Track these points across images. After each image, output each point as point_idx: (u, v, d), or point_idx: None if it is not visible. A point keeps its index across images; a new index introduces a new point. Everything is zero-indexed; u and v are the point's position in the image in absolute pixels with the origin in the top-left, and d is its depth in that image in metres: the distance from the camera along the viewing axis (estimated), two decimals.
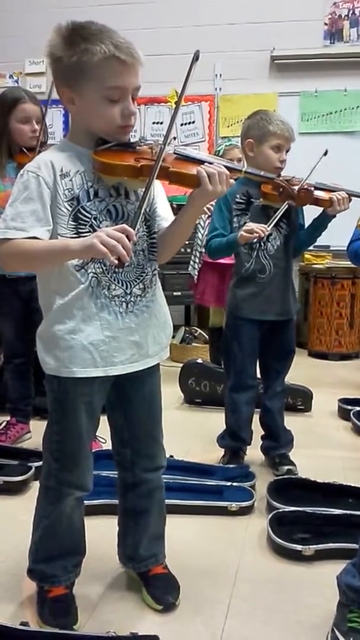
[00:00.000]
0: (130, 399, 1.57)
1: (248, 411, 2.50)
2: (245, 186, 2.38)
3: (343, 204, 2.26)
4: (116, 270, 1.41)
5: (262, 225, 2.22)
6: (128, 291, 1.45)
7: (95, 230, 1.35)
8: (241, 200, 2.36)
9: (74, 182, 1.39)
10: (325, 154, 2.26)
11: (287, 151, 2.34)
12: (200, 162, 1.42)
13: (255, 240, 2.23)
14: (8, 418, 2.82)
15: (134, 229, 1.29)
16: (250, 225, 2.22)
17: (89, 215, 1.39)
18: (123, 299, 1.44)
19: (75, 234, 1.38)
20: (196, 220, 1.54)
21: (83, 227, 1.39)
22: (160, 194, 1.55)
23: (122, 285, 1.44)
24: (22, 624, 1.44)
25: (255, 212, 2.34)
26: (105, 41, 1.31)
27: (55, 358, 1.43)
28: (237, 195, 2.36)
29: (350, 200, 2.29)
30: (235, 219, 2.37)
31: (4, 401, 2.93)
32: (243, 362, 2.45)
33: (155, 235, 1.51)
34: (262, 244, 2.34)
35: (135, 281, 1.47)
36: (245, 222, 2.33)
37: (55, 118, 5.23)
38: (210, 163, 1.41)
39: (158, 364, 1.59)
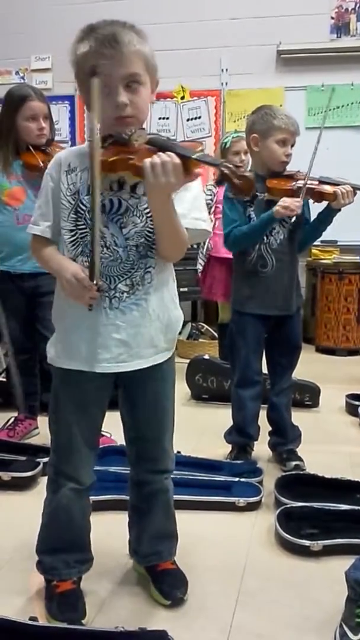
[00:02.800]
0: (133, 399, 1.57)
1: (254, 407, 2.49)
2: None
3: (347, 197, 2.26)
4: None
5: (296, 199, 2.22)
6: (112, 286, 1.43)
7: (89, 223, 1.40)
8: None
9: (80, 177, 1.44)
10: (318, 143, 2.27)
11: (293, 145, 2.33)
12: (167, 150, 1.32)
13: (291, 216, 2.24)
14: (17, 414, 2.83)
15: (93, 226, 1.33)
16: (286, 200, 2.22)
17: (84, 209, 1.43)
18: (106, 294, 1.43)
19: (74, 226, 1.44)
20: (167, 216, 1.37)
21: (80, 220, 1.44)
22: (186, 193, 1.42)
23: (106, 280, 1.43)
24: (31, 618, 1.45)
25: (259, 206, 2.33)
26: (90, 37, 1.35)
27: (54, 348, 1.52)
28: None
29: (355, 193, 2.29)
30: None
31: (12, 397, 2.94)
32: (247, 357, 2.45)
33: None
34: (265, 237, 2.33)
35: (121, 277, 1.43)
36: (249, 215, 2.34)
37: (61, 114, 5.24)
38: (171, 151, 1.30)
39: (168, 368, 1.55)
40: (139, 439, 1.60)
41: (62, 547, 1.58)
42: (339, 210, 2.30)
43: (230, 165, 1.26)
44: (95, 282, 1.35)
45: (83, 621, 1.51)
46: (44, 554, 1.59)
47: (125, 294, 1.43)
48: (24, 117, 2.47)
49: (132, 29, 1.37)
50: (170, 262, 1.51)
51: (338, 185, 2.28)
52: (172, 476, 1.69)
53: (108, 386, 1.53)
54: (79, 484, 1.55)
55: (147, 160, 1.29)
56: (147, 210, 1.42)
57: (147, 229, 1.43)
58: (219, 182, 3.66)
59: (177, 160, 1.28)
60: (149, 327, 1.47)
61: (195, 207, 1.45)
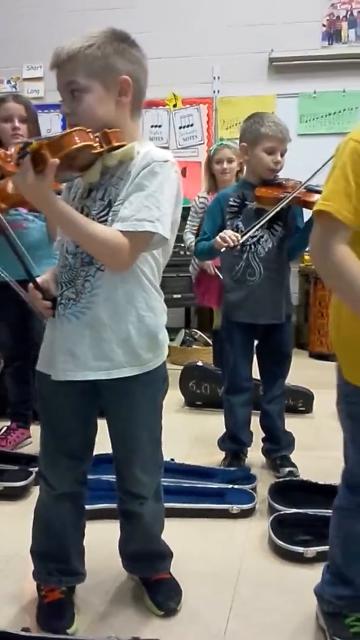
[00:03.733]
0: (107, 415, 1.53)
1: (244, 413, 2.50)
2: (241, 189, 2.40)
3: None
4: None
5: (236, 234, 2.23)
6: (60, 293, 1.43)
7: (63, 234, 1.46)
8: (234, 203, 2.37)
9: (76, 185, 1.47)
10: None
11: (284, 153, 2.33)
12: None
13: (223, 249, 2.24)
14: (9, 423, 2.82)
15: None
16: (226, 232, 2.24)
17: None
18: (60, 302, 1.43)
19: (60, 237, 1.50)
20: (57, 221, 1.34)
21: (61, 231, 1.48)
22: (140, 192, 1.33)
23: (59, 287, 1.44)
24: (24, 629, 1.44)
25: (247, 215, 2.35)
26: None
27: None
28: (231, 199, 2.38)
29: None
30: (228, 222, 2.38)
31: (5, 406, 2.93)
32: (235, 364, 2.46)
33: None
34: (252, 246, 2.34)
35: (68, 284, 1.42)
36: (237, 225, 2.35)
37: (53, 123, 5.24)
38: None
39: (139, 389, 1.45)
40: (115, 456, 1.57)
41: (43, 552, 1.59)
42: None
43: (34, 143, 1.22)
44: (45, 292, 1.41)
45: (69, 630, 1.50)
46: (33, 555, 1.61)
47: (71, 302, 1.41)
48: (0, 119, 2.50)
49: (82, 37, 1.34)
50: (111, 270, 1.37)
51: None
52: (165, 483, 1.67)
53: (81, 396, 1.46)
54: (52, 489, 1.54)
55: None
56: (99, 215, 1.37)
57: None
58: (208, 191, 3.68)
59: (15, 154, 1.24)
60: (97, 338, 1.39)
61: (144, 206, 1.31)
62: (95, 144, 1.30)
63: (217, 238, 2.24)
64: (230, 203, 2.37)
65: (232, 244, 2.20)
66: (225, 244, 2.21)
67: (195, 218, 3.79)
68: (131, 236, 1.31)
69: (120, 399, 1.46)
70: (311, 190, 2.30)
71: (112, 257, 1.34)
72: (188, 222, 3.82)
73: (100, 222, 1.35)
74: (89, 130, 1.29)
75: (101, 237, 1.30)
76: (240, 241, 2.23)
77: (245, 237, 2.25)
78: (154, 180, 1.32)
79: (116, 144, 1.33)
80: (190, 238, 3.81)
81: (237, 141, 2.48)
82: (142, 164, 1.33)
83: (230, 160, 3.48)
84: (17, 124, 2.47)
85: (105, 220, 1.36)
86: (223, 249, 2.24)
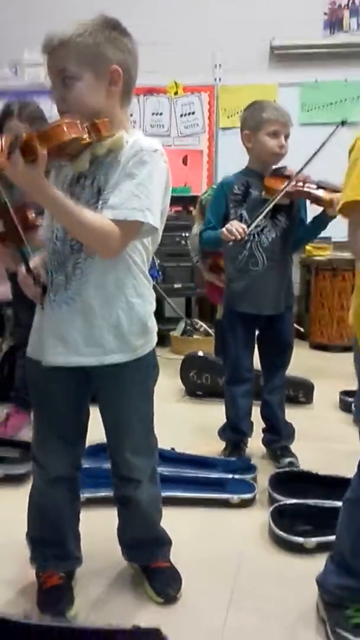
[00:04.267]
0: (99, 402, 1.55)
1: (245, 403, 2.50)
2: (245, 176, 2.37)
3: None
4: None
5: (243, 226, 2.21)
6: (50, 279, 1.44)
7: (52, 221, 1.46)
8: (238, 192, 2.35)
9: (66, 172, 1.46)
10: (344, 123, 2.29)
11: (287, 137, 2.32)
12: None
13: (230, 242, 2.22)
14: (9, 409, 2.82)
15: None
16: (233, 224, 2.21)
17: None
18: (50, 288, 1.44)
19: (49, 224, 1.48)
20: (55, 207, 1.31)
21: (50, 217, 1.47)
22: (130, 181, 1.34)
23: (48, 273, 1.45)
24: (25, 616, 1.44)
25: (251, 204, 2.33)
26: None
27: None
28: (235, 186, 2.35)
29: None
30: (232, 210, 2.36)
31: (5, 391, 2.94)
32: (237, 354, 2.45)
33: None
34: (255, 235, 2.32)
35: (57, 270, 1.42)
36: (241, 214, 2.33)
37: (54, 108, 5.20)
38: None
39: (130, 375, 1.47)
40: (107, 442, 1.59)
41: (39, 538, 1.60)
42: (335, 217, 2.28)
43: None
44: (37, 277, 1.41)
45: (68, 614, 1.52)
46: (29, 541, 1.62)
47: (61, 288, 1.42)
48: None
49: (75, 24, 1.34)
50: (101, 256, 1.38)
51: (337, 192, 2.25)
52: (166, 473, 1.68)
53: (73, 381, 1.48)
54: (45, 473, 1.55)
55: None
56: (88, 202, 1.38)
57: None
58: None
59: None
60: (89, 325, 1.41)
61: (134, 195, 1.32)
62: (85, 135, 1.30)
63: (224, 230, 2.22)
64: (235, 191, 2.35)
65: (239, 237, 2.19)
66: (233, 237, 2.19)
67: (195, 248, 3.73)
68: (121, 224, 1.32)
69: (110, 385, 1.49)
70: (321, 187, 2.29)
71: (102, 244, 1.35)
72: (191, 251, 3.78)
73: (90, 208, 1.35)
74: (78, 120, 1.29)
75: (92, 224, 1.31)
76: (248, 232, 2.21)
77: (251, 228, 2.24)
78: (143, 169, 1.34)
79: (105, 134, 1.33)
80: (195, 257, 3.76)
81: (238, 137, 2.42)
82: (132, 153, 1.35)
83: None
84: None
85: (95, 207, 1.37)
86: (230, 243, 2.23)
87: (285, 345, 2.50)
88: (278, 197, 2.26)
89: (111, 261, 1.39)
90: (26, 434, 2.72)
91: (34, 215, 1.69)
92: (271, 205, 2.26)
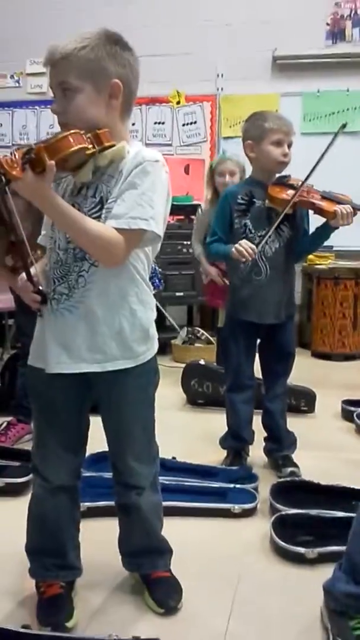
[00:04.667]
0: (100, 410, 1.56)
1: (246, 411, 2.50)
2: (248, 186, 2.38)
3: (347, 218, 2.23)
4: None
5: (252, 246, 2.23)
6: (52, 289, 1.45)
7: (55, 230, 1.47)
8: (242, 201, 2.35)
9: (67, 183, 1.47)
10: (344, 126, 2.30)
11: (290, 145, 2.32)
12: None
13: (243, 262, 2.25)
14: (9, 419, 2.82)
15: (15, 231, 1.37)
16: (243, 245, 2.23)
17: None
18: (51, 297, 1.45)
19: (52, 234, 1.49)
20: (60, 217, 1.33)
21: (53, 228, 1.48)
22: (133, 190, 1.36)
23: (50, 282, 1.46)
24: (24, 626, 1.44)
25: (255, 214, 2.33)
26: None
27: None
28: (239, 196, 2.36)
29: (355, 214, 2.25)
30: (236, 220, 2.36)
31: (6, 401, 2.93)
32: (239, 362, 2.46)
33: None
34: (260, 245, 2.33)
35: (61, 279, 1.44)
36: (245, 224, 2.34)
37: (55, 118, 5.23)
38: None
39: (132, 381, 1.48)
40: (110, 449, 1.59)
41: (39, 548, 1.59)
42: (337, 228, 2.28)
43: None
44: (37, 285, 1.42)
45: (68, 624, 1.51)
46: (28, 553, 1.61)
47: (63, 297, 1.43)
48: None
49: (77, 37, 1.35)
50: (106, 266, 1.40)
51: (340, 203, 2.26)
52: (167, 482, 1.68)
53: (75, 389, 1.49)
54: (47, 482, 1.55)
55: None
56: (90, 211, 1.40)
57: None
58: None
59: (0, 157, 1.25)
60: (91, 332, 1.43)
61: (138, 204, 1.35)
62: (89, 145, 1.32)
63: (234, 250, 2.24)
64: (238, 201, 2.35)
65: (249, 258, 2.22)
66: (243, 259, 2.23)
67: (200, 229, 3.77)
68: (125, 233, 1.35)
69: (113, 391, 1.50)
70: (325, 198, 2.29)
71: (107, 254, 1.37)
72: (194, 233, 3.80)
73: (93, 218, 1.37)
74: (82, 131, 1.31)
75: (97, 234, 1.34)
76: (257, 250, 2.24)
77: (260, 246, 2.26)
78: (146, 179, 1.36)
79: (107, 144, 1.35)
80: (198, 249, 3.80)
81: (240, 151, 2.45)
82: (134, 163, 1.37)
83: (232, 173, 3.47)
84: None
85: (99, 217, 1.39)
86: (242, 264, 2.27)
87: (287, 353, 2.50)
88: (285, 211, 2.26)
89: (114, 269, 1.41)
90: (27, 444, 2.73)
91: None
92: (279, 220, 2.27)
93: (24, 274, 1.44)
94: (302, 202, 2.29)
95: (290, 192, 2.29)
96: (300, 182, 2.29)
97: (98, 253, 1.37)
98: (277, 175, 2.37)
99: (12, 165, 1.23)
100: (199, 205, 3.85)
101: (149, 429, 1.58)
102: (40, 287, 1.45)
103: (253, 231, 2.33)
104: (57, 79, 1.37)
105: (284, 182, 2.34)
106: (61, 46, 1.35)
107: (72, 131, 1.30)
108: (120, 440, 1.56)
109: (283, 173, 2.38)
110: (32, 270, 1.45)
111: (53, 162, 1.25)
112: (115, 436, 1.56)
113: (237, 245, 2.25)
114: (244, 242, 2.24)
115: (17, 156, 1.24)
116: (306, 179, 2.28)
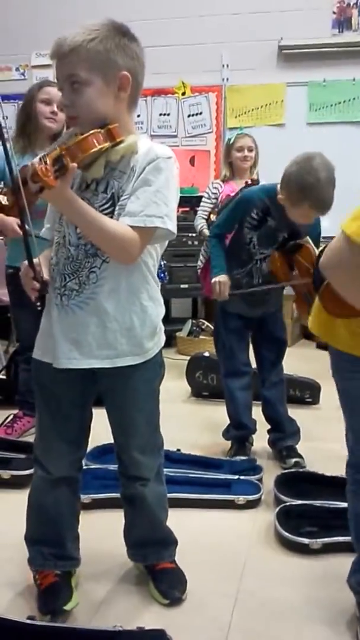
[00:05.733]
0: (105, 403, 1.56)
1: (244, 397, 2.51)
2: (268, 200, 2.27)
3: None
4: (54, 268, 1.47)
5: (226, 294, 2.33)
6: (62, 284, 1.44)
7: (63, 226, 1.46)
8: (255, 217, 2.31)
9: (75, 177, 1.44)
10: None
11: None
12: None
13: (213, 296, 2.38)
14: (15, 411, 2.83)
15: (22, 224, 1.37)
16: (221, 286, 2.33)
17: None
18: (59, 292, 1.45)
19: (59, 229, 1.48)
20: (80, 218, 1.33)
21: (60, 223, 1.48)
22: (147, 188, 1.36)
23: (60, 277, 1.45)
24: (29, 617, 1.45)
25: (264, 233, 2.33)
26: None
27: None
28: (255, 210, 2.30)
29: None
30: (246, 230, 2.35)
31: (12, 394, 2.94)
32: (232, 348, 2.49)
33: None
34: (258, 262, 2.37)
35: (71, 275, 1.43)
36: (251, 238, 2.35)
37: None
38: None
39: (140, 376, 1.49)
40: (115, 441, 1.61)
41: (38, 538, 1.61)
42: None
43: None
44: (38, 274, 1.40)
45: (66, 607, 1.52)
46: (27, 542, 1.63)
47: (74, 292, 1.43)
48: (39, 100, 2.57)
49: (85, 30, 1.34)
50: (120, 263, 1.40)
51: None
52: (171, 474, 1.69)
53: (80, 382, 1.50)
54: (47, 473, 1.56)
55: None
56: (102, 207, 1.39)
57: None
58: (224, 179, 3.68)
59: (35, 165, 1.24)
60: (102, 328, 1.43)
61: (152, 202, 1.36)
62: (106, 143, 1.33)
63: (213, 282, 2.34)
64: (252, 215, 2.30)
65: (218, 299, 2.36)
66: (213, 295, 2.36)
67: (207, 204, 3.80)
68: (140, 231, 1.35)
69: (119, 385, 1.51)
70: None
71: (123, 252, 1.38)
72: (200, 208, 3.82)
73: (105, 214, 1.37)
74: (99, 130, 1.31)
75: (115, 233, 1.34)
76: (227, 297, 2.35)
77: (237, 292, 2.36)
78: (160, 176, 1.36)
79: (119, 140, 1.35)
80: (200, 223, 3.82)
81: (253, 129, 2.46)
82: (147, 160, 1.37)
83: (250, 149, 3.49)
84: (55, 109, 2.53)
85: (111, 213, 1.39)
86: (237, 270, 2.36)
87: (279, 341, 2.53)
88: (274, 287, 2.37)
89: (126, 266, 1.42)
90: (33, 437, 2.74)
91: None
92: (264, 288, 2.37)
93: (25, 261, 1.43)
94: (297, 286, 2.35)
95: (292, 274, 2.34)
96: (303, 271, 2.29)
97: (115, 251, 1.38)
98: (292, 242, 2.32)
99: (47, 174, 1.22)
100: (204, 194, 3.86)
101: (154, 421, 1.59)
102: (43, 276, 1.43)
103: (256, 247, 2.35)
104: (66, 72, 1.35)
105: (293, 251, 2.31)
106: (69, 38, 1.33)
107: (91, 132, 1.30)
108: (126, 433, 1.56)
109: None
110: (35, 260, 1.43)
111: (75, 164, 1.26)
112: (120, 428, 1.57)
113: (216, 281, 2.33)
114: (223, 283, 2.33)
115: (48, 163, 1.24)
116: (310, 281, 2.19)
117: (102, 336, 1.43)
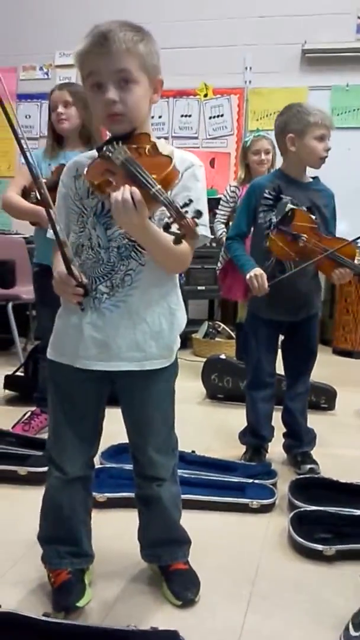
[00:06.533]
0: (123, 404, 1.57)
1: (266, 408, 2.49)
2: (276, 180, 2.34)
3: (343, 280, 2.31)
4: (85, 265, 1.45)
5: (266, 287, 2.25)
6: (93, 287, 1.44)
7: (87, 227, 1.44)
8: (269, 196, 2.31)
9: (84, 182, 1.45)
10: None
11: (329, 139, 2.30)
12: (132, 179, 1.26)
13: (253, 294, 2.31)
14: (33, 408, 2.85)
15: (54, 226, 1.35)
16: (259, 280, 2.25)
17: (86, 212, 1.45)
18: (94, 296, 1.44)
19: (82, 230, 1.46)
20: (155, 247, 1.36)
21: (81, 223, 1.46)
22: (186, 190, 1.38)
23: (89, 281, 1.44)
24: (45, 614, 1.46)
25: (282, 210, 2.30)
26: (88, 36, 1.34)
27: (50, 341, 1.57)
28: (267, 190, 2.32)
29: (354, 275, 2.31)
30: (261, 214, 2.33)
31: (30, 392, 2.97)
32: (260, 359, 2.44)
33: None
34: None
35: (102, 278, 1.43)
36: (270, 219, 2.30)
37: None
38: (133, 178, 1.25)
39: (163, 378, 1.52)
40: (130, 443, 1.61)
41: (53, 537, 1.61)
42: None
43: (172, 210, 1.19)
44: (78, 279, 1.39)
45: (79, 604, 1.53)
46: (41, 541, 1.64)
47: (105, 295, 1.43)
48: (51, 108, 2.62)
49: (130, 28, 1.34)
50: (174, 273, 1.48)
51: (342, 264, 2.28)
52: (186, 475, 1.69)
53: (98, 382, 1.52)
54: (63, 474, 1.56)
55: (112, 197, 1.26)
56: None
57: None
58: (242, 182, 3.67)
59: (138, 196, 1.23)
60: (132, 330, 1.44)
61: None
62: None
63: (249, 277, 2.27)
64: (265, 195, 2.31)
65: (257, 294, 2.28)
66: (253, 290, 2.29)
67: (225, 207, 3.80)
68: (190, 241, 1.37)
69: (139, 385, 1.51)
70: (329, 258, 2.26)
71: (181, 264, 1.44)
72: (218, 212, 3.83)
73: None
74: (168, 157, 1.30)
75: (180, 250, 1.35)
76: (266, 291, 2.28)
77: (277, 280, 2.29)
78: (198, 183, 1.41)
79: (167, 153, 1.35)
80: (220, 228, 3.81)
81: (272, 132, 2.43)
82: (184, 167, 1.38)
83: (267, 152, 3.50)
84: (60, 109, 2.57)
85: (150, 218, 1.36)
86: (266, 262, 2.29)
87: (310, 351, 2.49)
88: (311, 263, 2.29)
89: (160, 270, 1.44)
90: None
91: None
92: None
93: (63, 268, 1.40)
94: (304, 257, 2.28)
95: (301, 242, 2.25)
96: (310, 244, 2.26)
97: (174, 265, 1.44)
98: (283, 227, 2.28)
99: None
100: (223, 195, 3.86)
101: (170, 420, 1.60)
102: (82, 280, 1.41)
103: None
104: (115, 66, 1.32)
105: (288, 222, 2.27)
106: (119, 33, 1.31)
107: (174, 162, 1.28)
108: (141, 433, 1.57)
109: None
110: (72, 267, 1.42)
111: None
112: (137, 428, 1.57)
113: (252, 275, 2.26)
114: (260, 276, 2.25)
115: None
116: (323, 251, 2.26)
117: (132, 338, 1.45)
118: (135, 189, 1.23)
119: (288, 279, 2.28)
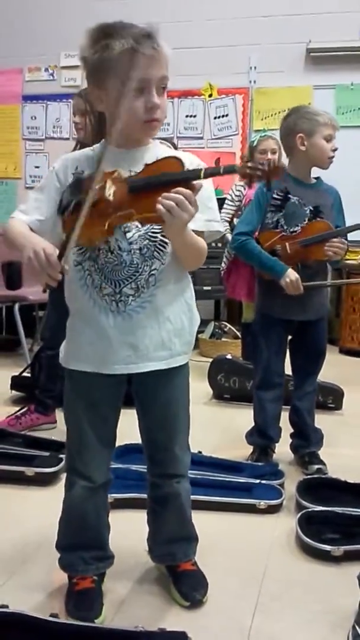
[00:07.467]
0: (145, 403, 1.57)
1: (274, 409, 2.48)
2: (284, 182, 2.33)
3: (340, 253, 2.29)
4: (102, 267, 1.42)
5: (301, 289, 2.27)
6: (117, 290, 1.42)
7: None
8: (278, 197, 2.32)
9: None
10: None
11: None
12: (158, 187, 1.29)
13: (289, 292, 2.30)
14: (34, 405, 2.89)
15: (63, 253, 1.28)
16: (294, 283, 2.26)
17: None
18: (113, 298, 1.43)
19: None
20: (189, 245, 1.40)
21: None
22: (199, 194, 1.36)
23: (111, 284, 1.42)
24: (52, 615, 1.46)
25: (290, 210, 2.31)
26: (126, 35, 1.31)
27: (64, 349, 1.55)
28: (275, 191, 2.32)
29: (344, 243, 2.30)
30: (269, 215, 2.34)
31: (32, 390, 2.98)
32: (269, 359, 2.44)
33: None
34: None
35: (126, 280, 1.42)
36: (278, 220, 2.31)
37: None
38: (166, 184, 1.28)
39: (183, 373, 1.55)
40: (150, 442, 1.61)
41: (78, 544, 1.60)
42: (339, 262, 2.39)
43: (248, 164, 1.27)
44: (62, 263, 1.29)
45: (97, 620, 1.51)
46: (63, 550, 1.62)
47: (130, 297, 1.43)
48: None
49: (151, 28, 1.34)
50: (193, 268, 1.50)
51: (323, 240, 2.28)
52: (192, 476, 1.69)
53: (119, 385, 1.53)
54: (91, 482, 1.55)
55: (160, 207, 1.26)
56: None
57: (150, 230, 1.42)
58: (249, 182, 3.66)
59: (188, 192, 1.26)
60: (158, 329, 1.45)
61: (208, 208, 1.43)
62: None
63: (284, 282, 2.27)
64: (274, 196, 2.32)
65: (294, 294, 2.29)
66: (289, 292, 2.28)
67: (230, 206, 3.80)
68: (203, 235, 1.44)
69: (162, 384, 1.52)
70: (308, 245, 2.30)
71: (202, 257, 1.47)
72: (223, 211, 3.82)
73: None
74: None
75: (200, 243, 1.43)
76: (301, 291, 2.30)
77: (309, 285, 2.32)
78: (206, 182, 1.39)
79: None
80: (224, 227, 3.81)
81: (277, 132, 2.45)
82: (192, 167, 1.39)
83: (274, 152, 3.50)
84: (76, 119, 2.63)
85: None
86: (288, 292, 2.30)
87: (319, 351, 2.48)
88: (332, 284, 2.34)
89: (178, 266, 1.47)
90: (46, 433, 2.76)
91: None
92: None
93: (49, 248, 1.31)
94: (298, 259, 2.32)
95: (285, 260, 2.31)
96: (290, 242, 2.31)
97: (196, 262, 1.47)
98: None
99: None
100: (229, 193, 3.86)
101: (188, 416, 1.62)
102: (63, 269, 1.32)
103: (285, 227, 2.32)
104: (162, 73, 1.35)
105: (271, 253, 2.33)
106: (162, 40, 1.33)
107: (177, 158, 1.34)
108: (168, 431, 1.57)
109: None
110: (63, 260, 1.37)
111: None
112: (162, 427, 1.57)
113: (288, 280, 2.26)
114: (296, 281, 2.26)
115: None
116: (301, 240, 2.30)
117: (158, 338, 1.46)
118: (179, 188, 1.26)
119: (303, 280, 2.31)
